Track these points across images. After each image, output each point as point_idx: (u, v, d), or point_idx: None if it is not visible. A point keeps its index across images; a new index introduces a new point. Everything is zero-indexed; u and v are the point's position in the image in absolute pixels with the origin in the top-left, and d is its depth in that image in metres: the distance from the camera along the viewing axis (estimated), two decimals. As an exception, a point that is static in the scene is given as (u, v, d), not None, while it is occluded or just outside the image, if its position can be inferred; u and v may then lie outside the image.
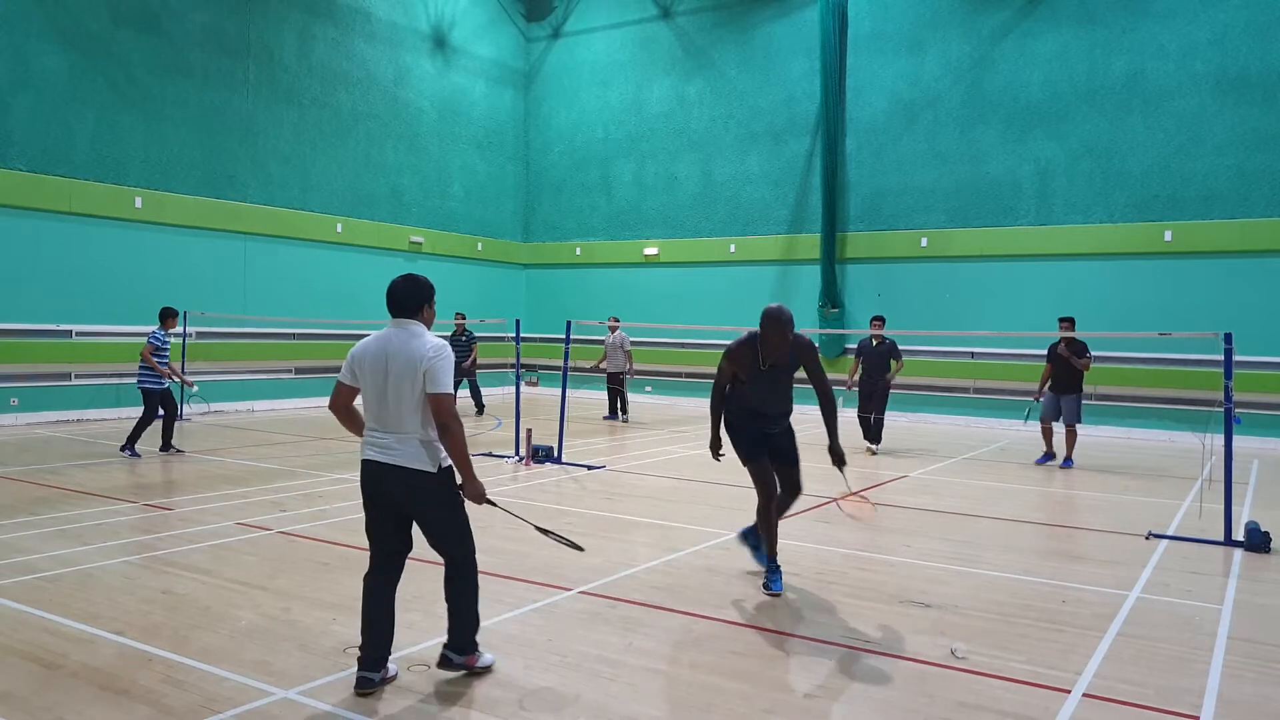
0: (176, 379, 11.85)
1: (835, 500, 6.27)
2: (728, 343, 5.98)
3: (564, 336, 11.85)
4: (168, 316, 11.44)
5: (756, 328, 5.80)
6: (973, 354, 17.54)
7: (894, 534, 7.62)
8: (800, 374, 5.87)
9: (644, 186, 21.46)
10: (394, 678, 4.30)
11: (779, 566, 5.97)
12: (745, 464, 5.95)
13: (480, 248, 22.04)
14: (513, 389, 13.55)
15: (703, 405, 18.97)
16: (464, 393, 17.46)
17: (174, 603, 5.44)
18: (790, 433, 6.08)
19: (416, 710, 4.02)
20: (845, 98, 18.86)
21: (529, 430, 11.30)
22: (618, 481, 10.18)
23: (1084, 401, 12.17)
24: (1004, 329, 16.37)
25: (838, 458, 5.92)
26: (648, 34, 21.41)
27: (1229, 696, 4.34)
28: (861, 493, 6.54)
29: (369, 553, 4.39)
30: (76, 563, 6.27)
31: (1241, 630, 5.33)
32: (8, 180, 13.96)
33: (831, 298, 18.68)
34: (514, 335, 12.36)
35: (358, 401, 4.44)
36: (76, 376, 14.85)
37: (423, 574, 5.47)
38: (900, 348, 13.18)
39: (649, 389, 20.65)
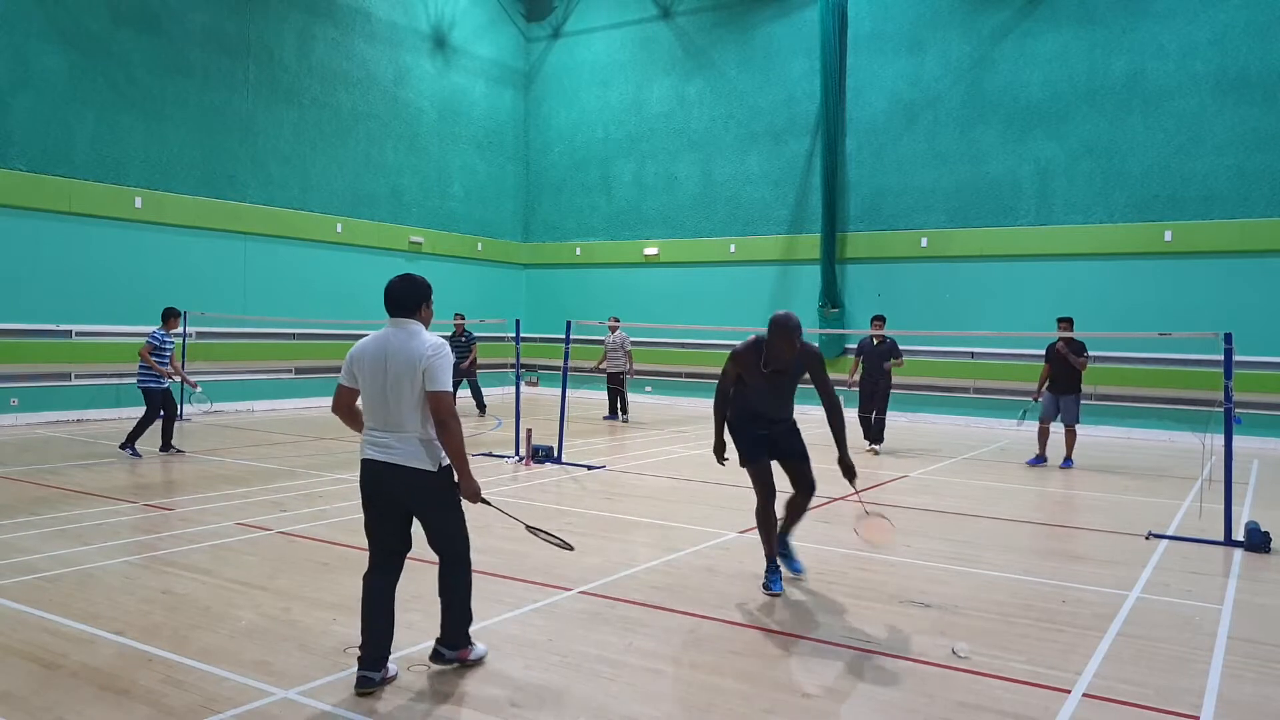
0: (176, 379, 11.84)
1: (854, 529, 6.15)
2: (727, 342, 5.99)
3: (564, 336, 11.86)
4: (169, 317, 11.43)
5: (754, 327, 5.79)
6: (973, 354, 17.54)
7: (893, 534, 7.61)
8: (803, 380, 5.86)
9: (644, 186, 21.46)
10: (394, 677, 4.30)
11: (779, 567, 5.98)
12: (744, 464, 5.94)
13: (480, 248, 22.04)
14: (513, 389, 13.56)
15: (703, 405, 19.03)
16: (464, 393, 17.47)
17: (174, 603, 5.44)
18: (794, 431, 6.05)
19: (416, 710, 4.02)
20: (845, 98, 18.87)
21: (529, 430, 11.30)
22: (618, 481, 10.18)
23: (1084, 402, 12.17)
24: (1004, 329, 16.37)
25: (847, 470, 5.86)
26: (648, 34, 21.41)
27: (1229, 696, 4.34)
28: (878, 511, 6.37)
29: (368, 552, 4.40)
30: (76, 563, 6.27)
31: (1241, 630, 5.33)
32: (8, 180, 13.96)
33: (831, 298, 18.68)
34: (514, 335, 12.36)
35: (359, 401, 4.45)
36: (76, 376, 14.85)
37: (423, 574, 5.47)
38: (901, 348, 13.19)
39: (649, 389, 20.65)
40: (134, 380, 11.68)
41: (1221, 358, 7.70)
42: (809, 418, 6.28)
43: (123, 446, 11.08)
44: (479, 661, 4.51)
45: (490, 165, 22.36)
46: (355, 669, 4.22)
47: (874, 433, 13.06)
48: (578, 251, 22.41)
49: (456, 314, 17.72)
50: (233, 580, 5.93)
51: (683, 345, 20.50)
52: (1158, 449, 14.43)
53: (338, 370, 4.52)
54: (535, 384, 22.73)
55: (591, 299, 21.54)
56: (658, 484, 10.06)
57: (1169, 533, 7.95)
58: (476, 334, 17.77)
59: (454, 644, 4.45)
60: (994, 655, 4.81)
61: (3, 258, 13.98)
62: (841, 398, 6.04)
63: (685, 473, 10.81)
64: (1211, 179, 15.57)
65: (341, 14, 18.80)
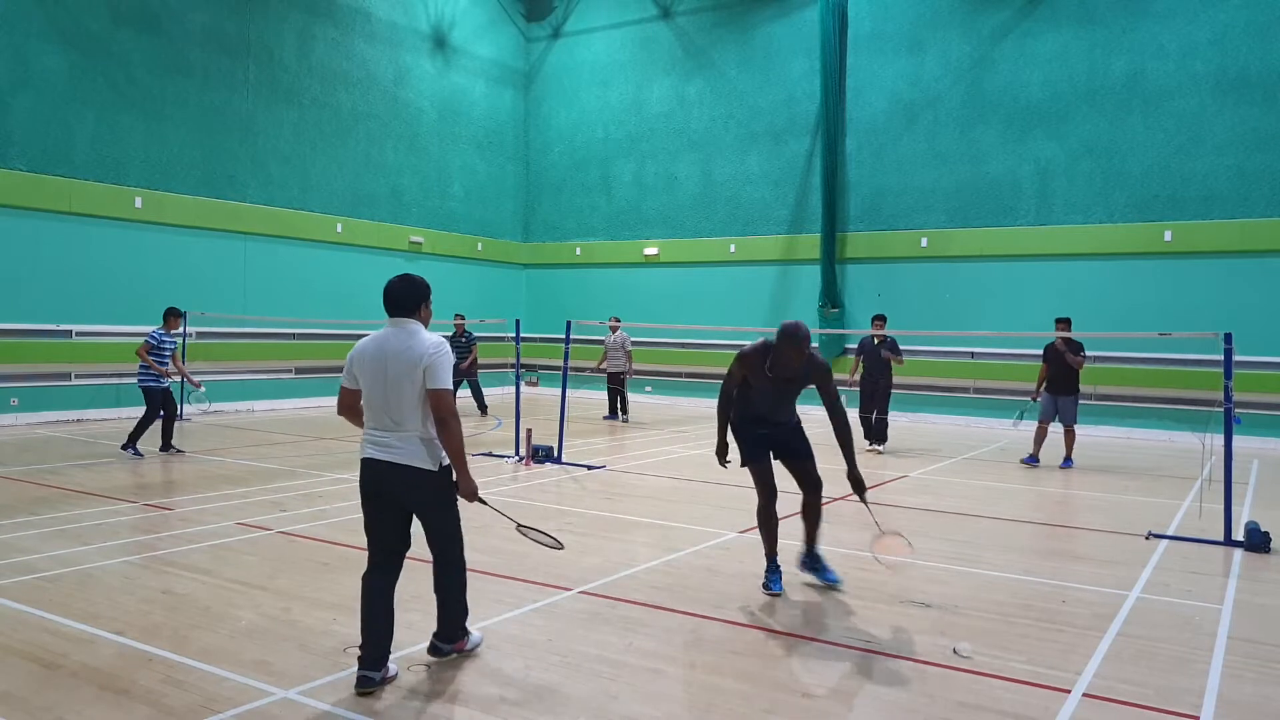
0: (176, 378, 11.83)
1: (870, 549, 6.04)
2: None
3: (564, 336, 11.86)
4: (170, 317, 11.41)
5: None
6: (973, 354, 17.54)
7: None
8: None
9: (644, 186, 21.46)
10: (394, 677, 4.30)
11: (779, 567, 5.97)
12: (745, 464, 5.94)
13: (480, 248, 22.04)
14: (513, 389, 13.56)
15: (703, 405, 19.05)
16: (465, 393, 17.46)
17: (174, 603, 5.44)
18: (797, 430, 6.02)
19: (416, 710, 4.02)
20: (845, 98, 18.87)
21: (529, 430, 11.30)
22: (618, 481, 10.18)
23: (1083, 402, 12.16)
24: (1004, 329, 16.37)
25: (857, 485, 5.80)
26: (648, 34, 21.41)
27: (1229, 696, 4.34)
28: (893, 529, 6.20)
29: (367, 552, 4.41)
30: (76, 563, 6.27)
31: (1241, 630, 5.33)
32: (8, 180, 13.96)
33: (831, 298, 18.68)
34: (514, 335, 12.36)
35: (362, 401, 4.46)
36: (76, 376, 14.85)
37: (423, 574, 5.45)
38: (901, 347, 13.20)
39: (649, 389, 20.64)
40: (134, 380, 11.68)
41: (1221, 358, 7.70)
42: (810, 417, 6.26)
43: (124, 447, 11.08)
44: (475, 649, 4.61)
45: (490, 165, 22.36)
46: (355, 669, 4.23)
47: (876, 433, 13.07)
48: (578, 251, 22.41)
49: (457, 314, 17.72)
50: (233, 580, 5.93)
51: (683, 345, 20.49)
52: (1158, 449, 14.43)
53: (338, 370, 4.54)
54: (535, 384, 22.73)
55: (591, 299, 21.54)
56: (658, 484, 10.06)
57: (1169, 533, 7.95)
58: (476, 334, 17.78)
59: (451, 638, 4.53)
60: (994, 655, 4.81)
61: (3, 258, 13.99)
62: (844, 397, 6.01)
63: (685, 473, 10.81)
64: (1211, 179, 15.57)
65: (341, 14, 18.80)
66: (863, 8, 18.73)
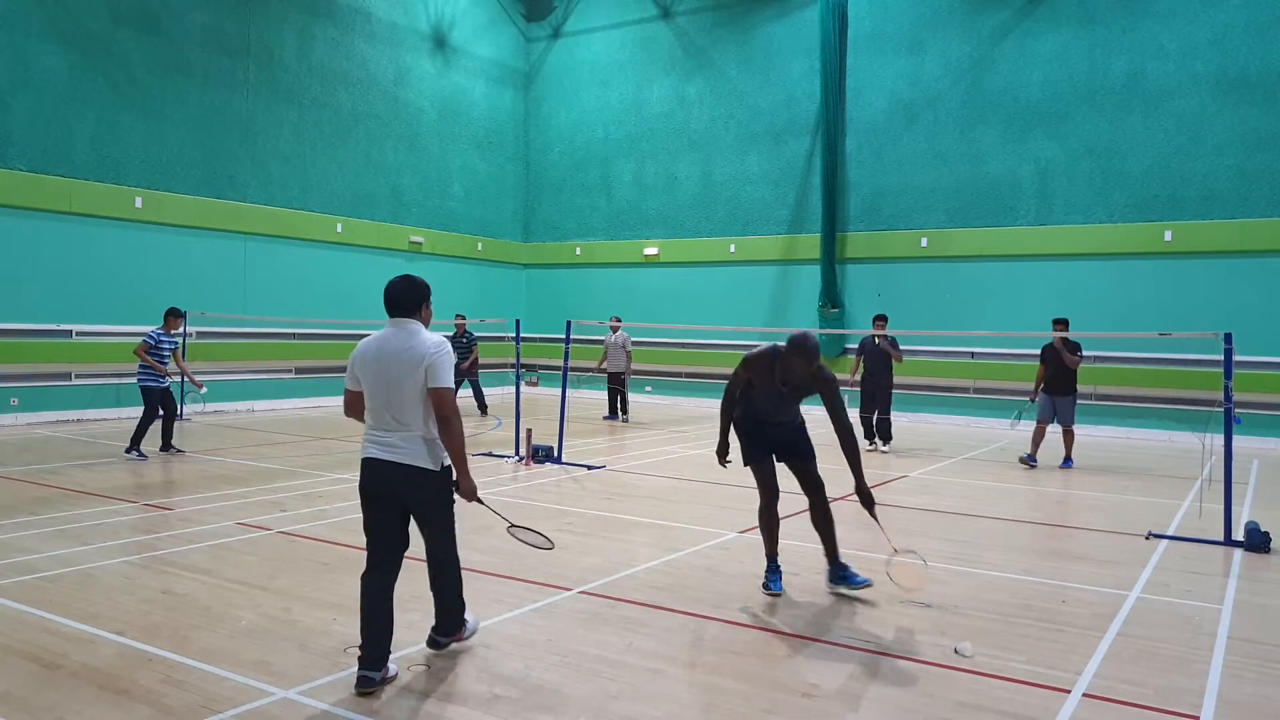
0: (176, 377, 11.81)
1: (886, 574, 5.93)
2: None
3: (564, 336, 11.86)
4: (170, 317, 11.38)
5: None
6: (973, 354, 17.55)
7: (894, 534, 7.61)
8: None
9: (644, 186, 21.46)
10: (394, 677, 4.30)
11: (780, 567, 5.97)
12: (747, 464, 5.94)
13: (480, 248, 22.04)
14: (513, 389, 13.56)
15: (703, 405, 19.06)
16: (465, 393, 17.46)
17: (174, 603, 5.44)
18: (800, 430, 6.00)
19: (416, 710, 4.02)
20: (845, 98, 18.87)
21: (529, 430, 11.30)
22: (618, 481, 10.18)
23: (1083, 402, 12.16)
24: (1004, 329, 16.37)
25: (865, 499, 5.74)
26: (648, 34, 21.41)
27: (1229, 696, 4.34)
28: (908, 548, 6.08)
29: (366, 552, 4.41)
30: (76, 563, 6.27)
31: (1241, 630, 5.33)
32: (8, 180, 13.96)
33: (831, 298, 18.68)
34: (514, 335, 12.36)
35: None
36: (76, 376, 14.85)
37: (422, 574, 5.45)
38: (901, 347, 13.21)
39: (649, 389, 20.65)
40: (134, 380, 11.66)
41: (1221, 358, 7.70)
42: (812, 416, 6.26)
43: (128, 451, 11.02)
44: (473, 635, 4.75)
45: (490, 165, 22.37)
46: (355, 669, 4.23)
47: (880, 432, 13.10)
48: (578, 251, 22.41)
49: (458, 315, 17.73)
50: (233, 580, 5.93)
51: (683, 345, 20.49)
52: (1158, 449, 14.43)
53: (338, 370, 4.57)
54: (535, 384, 22.74)
55: (591, 299, 21.54)
56: (658, 484, 10.06)
57: (1169, 533, 7.95)
58: (476, 334, 17.78)
59: (449, 632, 4.60)
60: (994, 655, 4.81)
61: (3, 258, 13.99)
62: (846, 397, 5.99)
63: (685, 473, 10.81)
64: (1211, 179, 15.57)
65: (341, 14, 18.80)
66: (863, 8, 18.73)
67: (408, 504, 4.37)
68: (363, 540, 4.47)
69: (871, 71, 18.63)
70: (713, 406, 6.25)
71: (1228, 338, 7.72)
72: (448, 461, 4.36)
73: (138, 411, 11.58)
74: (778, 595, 5.81)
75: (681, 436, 14.56)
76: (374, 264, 18.89)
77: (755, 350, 5.81)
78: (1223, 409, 7.71)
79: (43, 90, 14.39)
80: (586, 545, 7.06)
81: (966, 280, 17.58)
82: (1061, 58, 16.80)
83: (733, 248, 20.16)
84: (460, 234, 21.54)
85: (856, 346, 13.78)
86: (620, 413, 16.81)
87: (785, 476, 5.97)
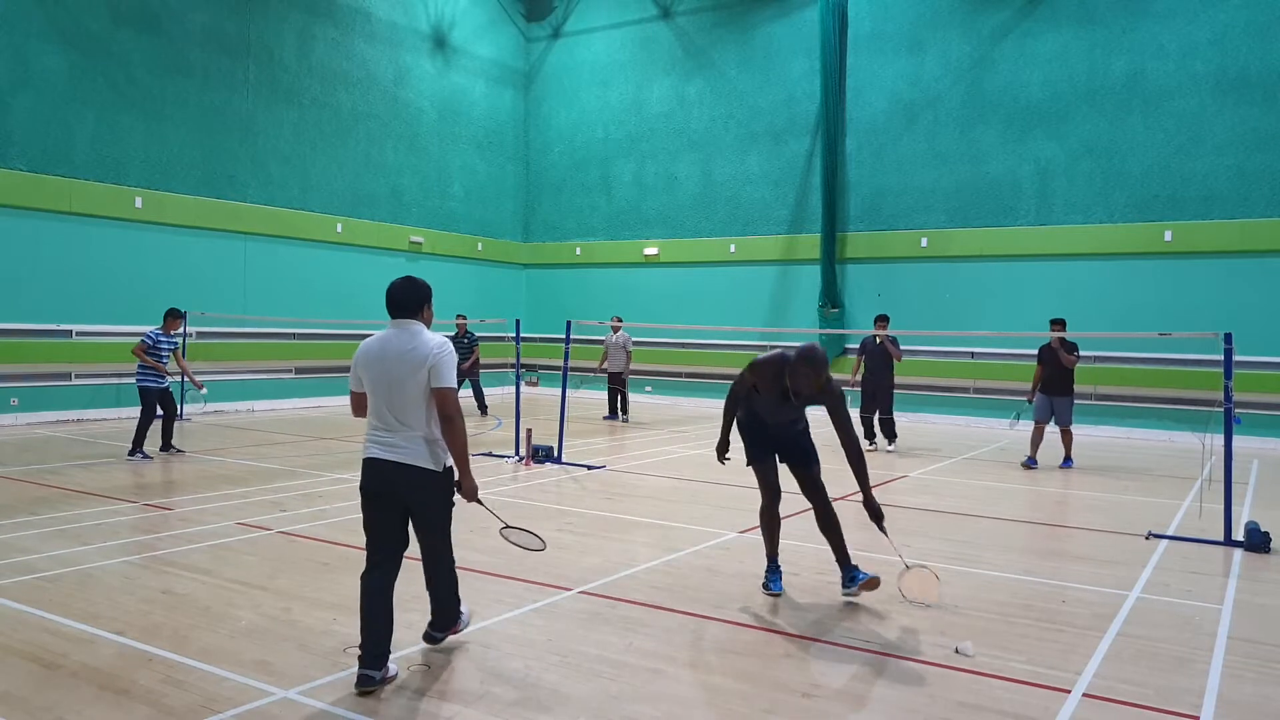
0: (175, 377, 11.80)
1: (898, 587, 5.82)
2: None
3: (564, 336, 11.86)
4: (170, 318, 11.36)
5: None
6: (973, 354, 17.55)
7: (894, 534, 7.60)
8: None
9: (644, 186, 21.46)
10: (394, 677, 4.30)
11: (780, 567, 5.97)
12: (749, 464, 5.95)
13: (480, 248, 22.04)
14: (513, 389, 13.56)
15: (703, 405, 19.06)
16: (465, 393, 17.45)
17: (174, 603, 5.44)
18: (803, 433, 5.99)
19: (416, 709, 4.02)
20: (845, 98, 18.87)
21: (529, 430, 11.30)
22: (618, 481, 10.18)
23: (1083, 402, 12.15)
24: (1004, 329, 16.37)
25: (874, 513, 5.71)
26: (648, 34, 21.41)
27: (1229, 696, 4.34)
28: (919, 563, 6.00)
29: (366, 552, 4.41)
30: (76, 563, 6.27)
31: (1241, 630, 5.33)
32: (8, 180, 13.96)
33: (831, 298, 18.68)
34: (514, 335, 12.36)
35: None
36: (76, 376, 14.85)
37: (422, 574, 5.47)
38: (900, 347, 13.22)
39: (649, 389, 20.65)
40: (133, 379, 11.64)
41: (1221, 358, 7.70)
42: (813, 416, 6.25)
43: (131, 454, 10.97)
44: (467, 625, 4.84)
45: (490, 165, 22.37)
46: (355, 668, 4.23)
47: (884, 432, 13.11)
48: (578, 251, 22.41)
49: (459, 315, 17.72)
50: (233, 580, 5.93)
51: (683, 345, 20.49)
52: (1158, 449, 14.43)
53: (338, 370, 4.58)
54: (535, 384, 22.74)
55: (591, 299, 21.54)
56: (658, 484, 10.06)
57: (1169, 533, 7.95)
58: (477, 334, 17.78)
59: (445, 627, 4.66)
60: (994, 655, 4.81)
61: (3, 258, 13.99)
62: (849, 397, 5.97)
63: (686, 473, 10.81)
64: (1211, 179, 15.57)
65: (341, 14, 18.81)
66: (863, 8, 18.73)
67: (408, 504, 4.38)
68: (363, 540, 4.47)
69: (871, 71, 18.63)
70: (713, 407, 6.27)
71: (1228, 338, 7.72)
72: (449, 462, 4.38)
73: (138, 411, 11.56)
74: (778, 595, 5.81)
75: (681, 437, 14.56)
76: (374, 264, 18.89)
77: (764, 356, 5.80)
78: (1223, 409, 7.72)
79: (43, 90, 14.39)
80: (586, 545, 7.06)
81: (966, 280, 17.58)
82: (1061, 58, 16.80)
83: (733, 248, 20.16)
84: (460, 234, 21.54)
85: (857, 346, 13.79)
86: (620, 413, 16.81)
87: (786, 477, 5.97)
